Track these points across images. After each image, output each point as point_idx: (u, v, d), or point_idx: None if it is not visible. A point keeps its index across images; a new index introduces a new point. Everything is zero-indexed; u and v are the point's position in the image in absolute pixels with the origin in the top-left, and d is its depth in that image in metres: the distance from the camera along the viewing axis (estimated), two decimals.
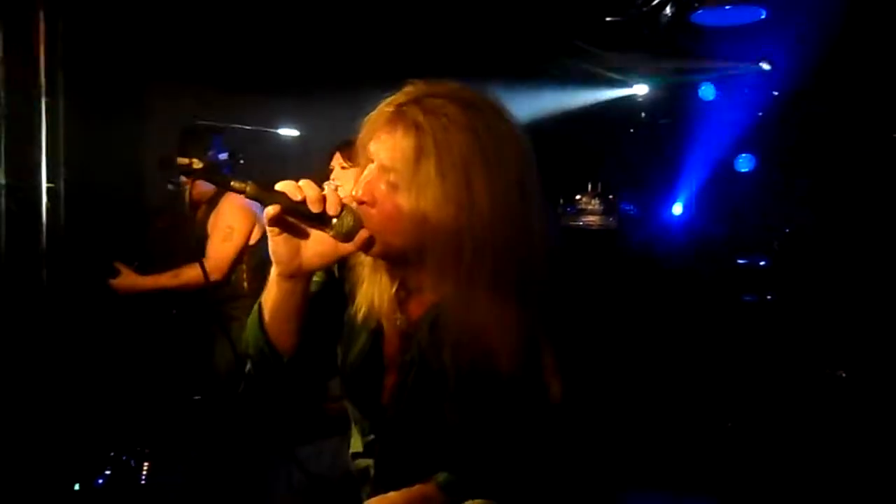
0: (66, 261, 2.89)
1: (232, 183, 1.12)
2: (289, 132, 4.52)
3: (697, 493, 3.55)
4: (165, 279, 3.14)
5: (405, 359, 1.30)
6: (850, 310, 4.03)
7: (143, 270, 3.18)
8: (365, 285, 1.28)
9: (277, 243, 1.16)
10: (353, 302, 1.31)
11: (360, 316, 1.30)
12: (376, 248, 1.19)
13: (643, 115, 5.38)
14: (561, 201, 5.33)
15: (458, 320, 1.20)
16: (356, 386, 1.38)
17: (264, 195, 1.12)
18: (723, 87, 5.01)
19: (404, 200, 1.15)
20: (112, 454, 3.20)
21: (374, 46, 4.38)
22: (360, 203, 1.17)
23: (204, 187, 3.21)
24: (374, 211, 1.17)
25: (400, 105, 1.17)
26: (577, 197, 5.28)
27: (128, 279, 3.15)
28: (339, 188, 2.88)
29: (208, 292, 3.11)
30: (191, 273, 3.09)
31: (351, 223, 1.14)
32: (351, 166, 2.82)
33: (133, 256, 3.22)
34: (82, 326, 3.20)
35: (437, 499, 1.30)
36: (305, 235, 1.16)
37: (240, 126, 4.44)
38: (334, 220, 1.13)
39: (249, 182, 1.11)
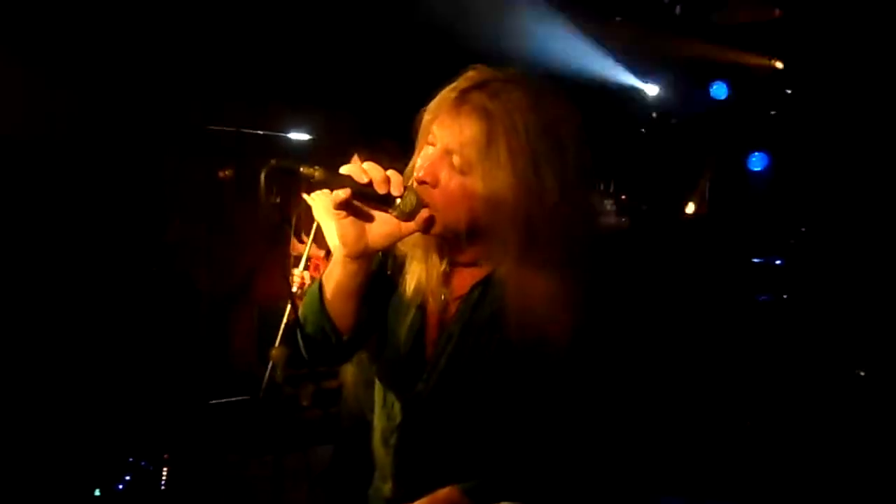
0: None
1: (301, 169, 1.14)
2: (300, 136, 4.55)
3: (716, 495, 3.54)
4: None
5: (444, 333, 1.31)
6: (866, 308, 4.02)
7: None
8: (415, 263, 1.31)
9: (344, 226, 1.19)
10: (402, 281, 1.34)
11: (408, 294, 1.32)
12: (436, 227, 1.22)
13: (654, 115, 5.37)
14: None
15: (512, 295, 1.22)
16: (397, 366, 1.37)
17: (332, 179, 1.14)
18: (735, 86, 4.99)
19: (472, 182, 1.17)
20: (131, 460, 3.22)
21: (380, 50, 4.39)
22: (422, 183, 1.19)
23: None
24: (436, 192, 1.20)
25: (464, 90, 1.20)
26: None
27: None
28: (365, 162, 2.91)
29: None
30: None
31: (414, 203, 1.16)
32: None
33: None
34: (99, 332, 3.22)
35: (462, 501, 1.28)
36: (370, 217, 1.19)
37: (251, 131, 4.48)
38: (398, 201, 1.16)
39: (318, 167, 1.13)
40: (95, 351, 3.11)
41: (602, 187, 5.34)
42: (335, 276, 1.26)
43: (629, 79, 5.20)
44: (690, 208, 5.29)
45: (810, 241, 4.63)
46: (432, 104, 1.24)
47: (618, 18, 4.78)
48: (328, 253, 2.95)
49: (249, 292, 3.76)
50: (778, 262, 4.71)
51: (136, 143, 3.90)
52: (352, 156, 2.91)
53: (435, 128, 1.21)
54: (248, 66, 4.28)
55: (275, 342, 2.94)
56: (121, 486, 3.12)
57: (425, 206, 1.18)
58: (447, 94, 1.22)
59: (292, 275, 2.87)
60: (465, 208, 1.19)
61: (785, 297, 4.56)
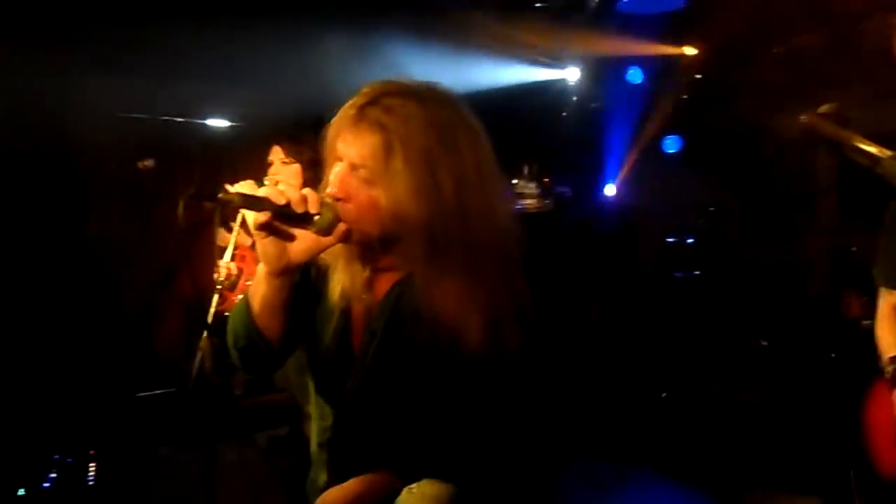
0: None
1: (220, 196, 1.15)
2: (218, 123, 4.46)
3: (634, 461, 3.74)
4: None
5: (367, 331, 1.38)
6: (769, 282, 4.29)
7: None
8: (339, 270, 1.37)
9: (266, 245, 1.23)
10: (326, 287, 1.40)
11: (333, 299, 1.39)
12: (352, 238, 1.27)
13: (574, 98, 5.51)
14: None
15: (424, 296, 1.30)
16: (326, 367, 1.44)
17: (251, 202, 1.17)
18: (649, 71, 5.17)
19: (377, 193, 1.24)
20: (57, 457, 3.15)
21: (301, 31, 4.34)
22: (337, 199, 1.24)
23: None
24: (350, 205, 1.25)
25: (361, 106, 1.25)
26: (514, 181, 5.40)
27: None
28: (279, 183, 2.88)
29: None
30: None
31: (331, 218, 1.21)
32: (291, 161, 2.82)
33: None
34: (19, 327, 3.12)
35: (390, 481, 1.38)
36: (290, 235, 1.23)
37: (170, 118, 4.37)
38: (316, 218, 1.20)
39: (236, 192, 1.16)
40: (15, 346, 3.02)
41: (526, 171, 5.47)
42: (261, 292, 1.31)
43: (549, 64, 5.32)
44: (610, 191, 5.48)
45: (719, 221, 4.87)
46: (334, 121, 1.29)
47: (537, 4, 4.87)
48: (254, 244, 2.95)
49: (175, 283, 3.70)
50: (690, 240, 4.95)
51: (52, 135, 3.76)
52: (271, 148, 2.90)
53: (339, 144, 1.27)
54: (163, 47, 4.16)
55: (202, 333, 2.94)
56: (46, 485, 3.05)
57: (341, 220, 1.23)
58: (346, 111, 1.28)
59: (218, 266, 2.85)
60: (375, 218, 1.25)
61: (697, 273, 4.80)
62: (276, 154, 2.87)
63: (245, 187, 2.14)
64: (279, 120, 4.54)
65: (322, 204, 1.21)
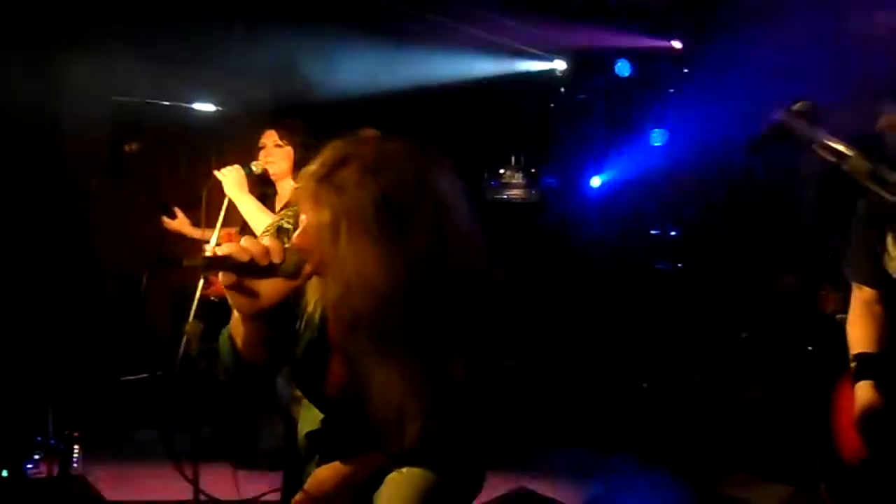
0: None
1: (184, 262, 1.16)
2: (204, 107, 4.44)
3: (615, 448, 3.80)
4: (204, 233, 3.14)
5: (348, 353, 1.41)
6: (751, 276, 4.34)
7: None
8: (314, 282, 1.37)
9: (236, 298, 1.24)
10: (303, 298, 1.41)
11: (308, 311, 1.41)
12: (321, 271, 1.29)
13: (562, 90, 5.53)
14: (485, 175, 5.47)
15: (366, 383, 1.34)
16: (306, 374, 1.48)
17: (215, 264, 1.18)
18: (637, 64, 5.19)
19: (333, 262, 1.24)
20: (39, 439, 3.16)
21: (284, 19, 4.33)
22: (300, 248, 1.25)
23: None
24: (314, 255, 1.26)
25: (319, 179, 1.26)
26: (501, 171, 5.43)
27: (180, 224, 3.21)
28: (270, 164, 2.90)
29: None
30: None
31: (295, 262, 1.22)
32: (285, 144, 2.86)
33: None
34: (4, 310, 3.12)
35: (380, 461, 1.45)
36: (256, 291, 1.23)
37: (156, 101, 4.36)
38: (281, 266, 1.21)
39: (199, 256, 1.17)
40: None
41: (513, 161, 5.50)
42: (240, 332, 1.33)
43: (536, 56, 5.34)
44: (596, 182, 5.51)
45: (705, 215, 4.92)
46: (299, 186, 1.30)
47: None
48: (242, 228, 2.96)
49: (160, 267, 3.70)
50: (673, 233, 5.00)
51: (37, 118, 3.75)
52: (261, 132, 2.93)
53: (301, 208, 1.29)
54: (152, 30, 4.14)
55: (188, 317, 2.95)
56: (30, 466, 3.07)
57: (305, 262, 1.24)
58: (308, 178, 1.27)
59: (204, 250, 2.86)
60: (340, 275, 1.25)
61: (680, 265, 4.85)
62: (270, 137, 2.91)
63: (231, 172, 2.27)
64: (265, 104, 4.57)
65: (286, 251, 1.22)
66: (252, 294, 1.22)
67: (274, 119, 2.92)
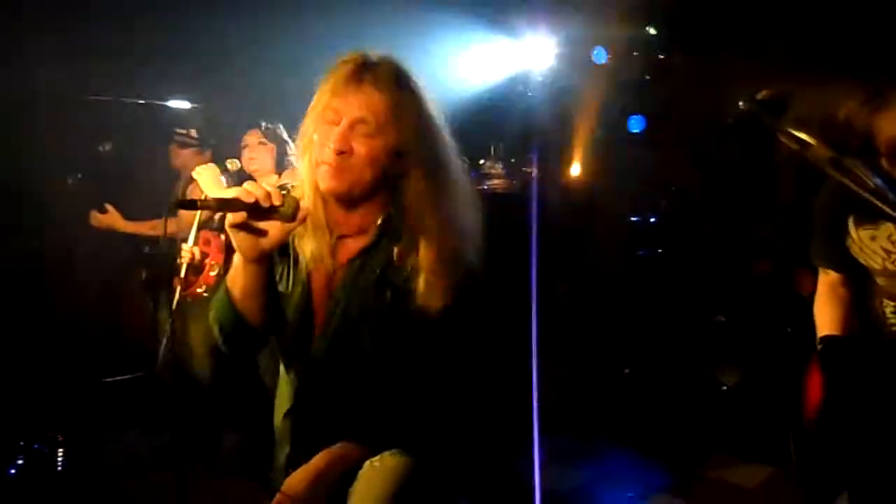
0: None
1: (198, 202, 1.30)
2: (180, 104, 4.42)
3: (597, 434, 3.83)
4: (146, 227, 3.37)
5: (333, 296, 1.47)
6: (727, 260, 4.39)
7: None
8: (305, 238, 1.47)
9: (241, 239, 1.34)
10: (287, 261, 1.51)
11: (298, 268, 1.49)
12: (342, 189, 1.41)
13: (541, 79, 5.53)
14: (465, 165, 5.46)
15: (391, 254, 1.43)
16: (292, 334, 1.51)
17: (225, 205, 1.31)
18: (613, 51, 5.20)
19: (378, 143, 1.39)
20: (23, 443, 3.14)
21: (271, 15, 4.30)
22: (340, 153, 1.38)
23: (191, 158, 3.36)
24: (351, 158, 1.39)
25: (356, 70, 1.40)
26: (481, 161, 5.43)
27: (111, 218, 3.35)
28: (253, 161, 2.99)
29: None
30: (171, 226, 3.20)
31: (294, 205, 1.33)
32: (268, 142, 2.95)
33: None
34: None
35: (354, 453, 1.45)
36: (261, 229, 1.34)
37: (132, 100, 4.31)
38: (280, 208, 1.32)
39: (210, 198, 1.30)
40: None
41: (493, 151, 5.51)
42: (240, 280, 1.42)
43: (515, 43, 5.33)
44: (576, 170, 5.54)
45: (681, 201, 4.96)
46: (329, 85, 1.41)
47: None
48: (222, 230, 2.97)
49: (178, 208, 3.65)
50: (653, 219, 5.03)
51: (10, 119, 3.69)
52: (248, 131, 2.98)
53: (339, 105, 1.39)
54: (124, 24, 4.09)
55: (168, 316, 2.95)
56: (13, 471, 3.05)
57: (298, 204, 1.35)
58: (340, 75, 1.40)
59: (181, 249, 2.87)
60: (377, 166, 1.40)
61: (660, 251, 4.89)
62: (253, 136, 3.01)
63: (207, 170, 2.32)
64: (243, 103, 4.54)
65: (284, 195, 1.32)
66: (256, 233, 1.32)
67: (255, 118, 2.99)
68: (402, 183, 1.43)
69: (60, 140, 3.90)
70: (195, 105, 4.49)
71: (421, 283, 1.40)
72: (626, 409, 4.02)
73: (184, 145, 3.35)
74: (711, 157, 4.73)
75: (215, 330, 1.49)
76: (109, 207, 3.34)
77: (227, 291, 1.44)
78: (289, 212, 1.32)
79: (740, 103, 1.36)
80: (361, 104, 1.37)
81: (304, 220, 1.35)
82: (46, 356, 3.55)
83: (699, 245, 4.66)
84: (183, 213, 3.16)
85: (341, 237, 1.48)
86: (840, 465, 2.00)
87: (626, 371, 4.38)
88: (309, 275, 1.49)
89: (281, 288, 1.51)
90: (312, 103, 1.43)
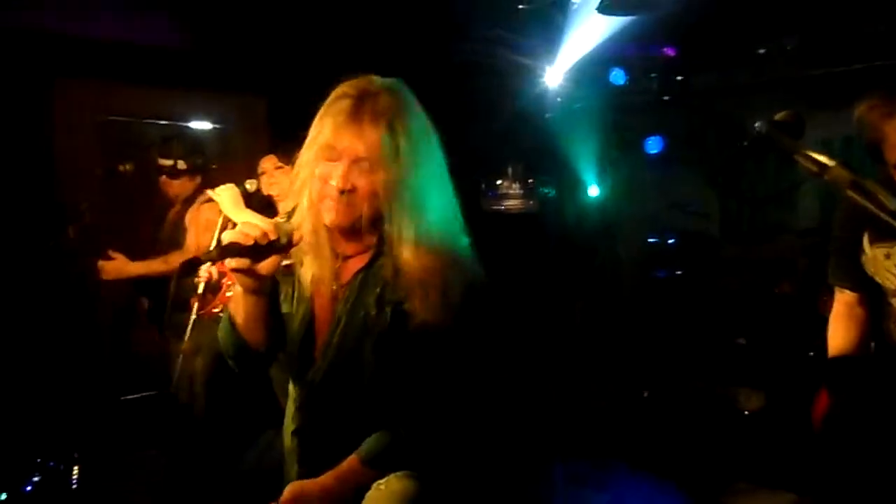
0: None
1: (202, 257, 1.32)
2: (201, 125, 4.52)
3: (616, 459, 3.78)
4: (156, 265, 3.22)
5: (335, 314, 1.49)
6: (747, 282, 4.34)
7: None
8: (308, 260, 1.49)
9: (242, 276, 1.37)
10: (291, 281, 1.52)
11: (301, 289, 1.51)
12: (346, 224, 1.42)
13: (558, 99, 5.53)
14: (482, 186, 5.48)
15: (389, 273, 1.44)
16: (295, 353, 1.53)
17: (226, 252, 1.32)
18: (631, 72, 5.20)
19: (379, 178, 1.39)
20: (39, 460, 3.15)
21: (281, 40, 4.36)
22: (345, 192, 1.39)
23: (183, 187, 3.34)
24: (355, 196, 1.40)
25: (355, 105, 1.39)
26: (498, 182, 5.44)
27: (119, 264, 3.23)
28: (273, 185, 3.02)
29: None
30: (179, 258, 3.14)
31: (288, 233, 1.36)
32: (285, 165, 2.97)
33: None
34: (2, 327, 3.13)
35: (362, 475, 1.44)
36: (259, 270, 1.37)
37: (153, 121, 4.39)
38: (276, 242, 1.35)
39: (211, 248, 1.29)
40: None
41: (510, 172, 5.51)
42: (241, 307, 1.46)
43: (532, 65, 5.34)
44: (594, 191, 5.52)
45: (700, 221, 4.92)
46: (327, 124, 1.40)
47: (521, 6, 4.90)
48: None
49: (185, 269, 3.67)
50: (671, 240, 4.99)
51: (29, 140, 3.77)
52: (264, 149, 3.01)
53: (338, 143, 1.39)
54: (148, 48, 4.16)
55: (183, 337, 2.96)
56: (28, 488, 3.06)
57: (292, 233, 1.38)
58: (337, 111, 1.39)
59: (199, 270, 2.88)
60: (377, 199, 1.40)
61: (678, 272, 4.84)
62: (270, 161, 3.04)
63: (226, 191, 2.34)
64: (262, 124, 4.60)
65: (276, 227, 1.35)
66: (256, 270, 1.35)
67: (271, 143, 3.03)
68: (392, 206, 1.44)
69: (78, 160, 3.97)
70: (215, 126, 4.58)
71: (416, 300, 1.40)
72: (644, 432, 3.96)
73: (172, 175, 3.32)
74: (730, 178, 4.69)
75: (223, 351, 1.54)
76: (115, 254, 3.26)
77: (230, 318, 1.49)
78: (284, 241, 1.36)
79: (756, 125, 1.34)
80: (361, 143, 1.38)
81: (297, 244, 1.40)
82: (62, 374, 3.57)
83: (719, 266, 4.61)
84: (199, 238, 3.16)
85: (345, 258, 1.51)
86: (844, 486, 1.94)
87: (645, 394, 4.32)
88: (312, 294, 1.51)
89: (285, 308, 1.53)
90: (312, 134, 1.44)
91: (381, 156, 1.37)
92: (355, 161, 1.38)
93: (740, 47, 4.60)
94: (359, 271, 1.49)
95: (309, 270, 1.49)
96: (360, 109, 1.38)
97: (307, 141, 1.44)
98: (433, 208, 1.43)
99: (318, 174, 1.41)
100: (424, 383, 1.45)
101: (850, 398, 1.94)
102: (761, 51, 4.52)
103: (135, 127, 4.31)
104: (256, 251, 1.32)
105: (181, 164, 3.29)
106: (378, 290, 1.45)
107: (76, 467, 3.19)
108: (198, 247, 3.18)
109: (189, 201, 3.35)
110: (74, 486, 3.17)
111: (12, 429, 3.16)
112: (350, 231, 1.46)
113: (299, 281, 1.51)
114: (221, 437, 3.23)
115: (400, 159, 1.38)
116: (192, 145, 3.42)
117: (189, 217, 3.30)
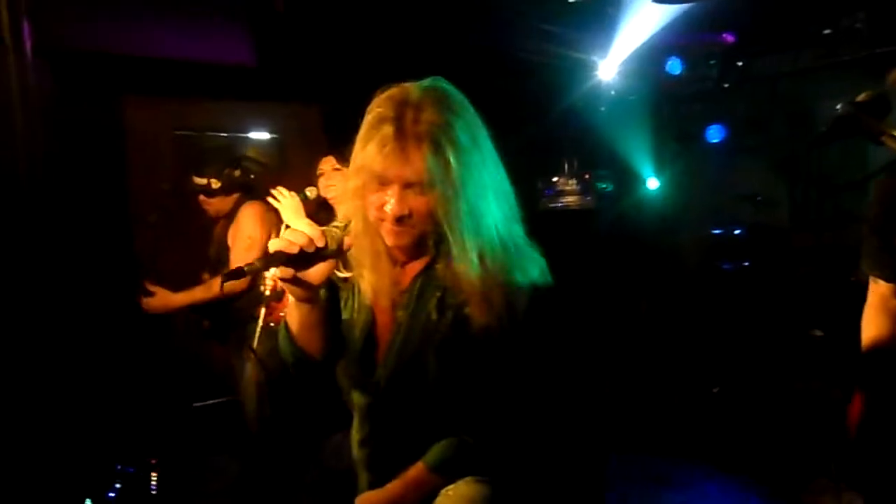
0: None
1: (245, 268, 1.24)
2: (260, 135, 4.62)
3: (688, 457, 3.68)
4: (199, 293, 3.18)
5: (395, 321, 1.47)
6: (822, 272, 4.16)
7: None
8: (366, 269, 1.46)
9: (290, 285, 1.34)
10: (351, 289, 1.51)
11: (362, 297, 1.49)
12: (406, 244, 1.40)
13: (613, 92, 5.44)
14: (539, 184, 5.43)
15: (448, 277, 1.41)
16: (357, 361, 1.52)
17: (270, 261, 1.27)
18: (689, 61, 5.07)
19: (432, 198, 1.34)
20: (119, 467, 3.26)
21: (338, 47, 4.41)
22: (401, 218, 1.35)
23: (221, 203, 3.30)
24: (413, 219, 1.36)
25: (398, 129, 1.32)
26: (555, 179, 5.38)
27: (162, 298, 3.18)
28: (330, 188, 3.01)
29: (234, 301, 3.18)
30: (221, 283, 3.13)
31: (338, 240, 1.33)
32: (343, 167, 2.95)
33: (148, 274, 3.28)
34: (80, 338, 3.24)
35: (430, 482, 1.43)
36: (307, 280, 1.33)
37: (214, 133, 4.51)
38: (324, 250, 1.31)
39: (256, 259, 1.26)
40: (78, 363, 3.14)
41: (566, 168, 5.44)
42: (294, 316, 1.45)
43: (585, 59, 5.27)
44: (653, 184, 5.40)
45: (767, 211, 4.76)
46: (372, 154, 1.34)
47: (571, 1, 4.84)
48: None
49: (228, 278, 3.73)
50: (737, 231, 4.84)
51: (102, 156, 3.91)
52: (319, 157, 3.02)
53: (385, 172, 1.33)
54: (208, 65, 4.27)
55: (245, 347, 3.01)
56: (111, 494, 3.16)
57: (344, 239, 1.36)
58: (380, 136, 1.33)
59: (264, 277, 2.93)
60: (432, 220, 1.36)
61: (746, 264, 4.69)
62: (328, 163, 3.03)
63: (287, 200, 2.36)
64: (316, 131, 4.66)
65: (325, 234, 1.32)
66: (304, 273, 1.31)
67: (330, 145, 3.02)
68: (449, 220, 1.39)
69: (145, 174, 4.10)
70: (274, 135, 4.67)
71: (477, 304, 1.38)
72: (717, 429, 3.85)
73: (208, 194, 3.26)
74: (799, 165, 4.52)
75: (284, 361, 1.54)
76: (154, 288, 3.19)
77: (286, 326, 1.49)
78: (333, 248, 1.33)
79: (837, 107, 1.27)
80: (409, 170, 1.32)
81: (348, 248, 1.37)
82: (139, 383, 3.69)
83: (789, 256, 4.45)
84: (241, 259, 3.16)
85: (403, 264, 1.49)
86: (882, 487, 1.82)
87: (715, 390, 4.20)
88: (373, 301, 1.49)
89: (346, 315, 1.52)
90: (357, 161, 1.36)
91: (431, 177, 1.32)
92: (406, 186, 1.34)
93: (804, 28, 4.43)
94: (417, 275, 1.47)
95: (368, 280, 1.47)
96: (402, 134, 1.31)
97: (353, 166, 1.40)
98: (490, 212, 1.39)
99: (372, 201, 1.38)
100: (489, 388, 1.42)
101: (886, 397, 1.82)
102: (826, 31, 4.34)
103: (197, 140, 4.42)
104: (303, 259, 1.28)
105: (214, 183, 3.23)
106: (439, 294, 1.43)
107: (154, 473, 3.29)
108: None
109: (230, 216, 3.31)
110: (154, 492, 3.27)
111: (94, 437, 3.27)
112: (411, 246, 1.44)
113: (359, 289, 1.49)
114: (289, 442, 3.28)
115: (451, 174, 1.32)
116: (227, 160, 3.32)
117: (230, 234, 3.27)
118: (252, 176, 3.38)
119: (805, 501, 3.20)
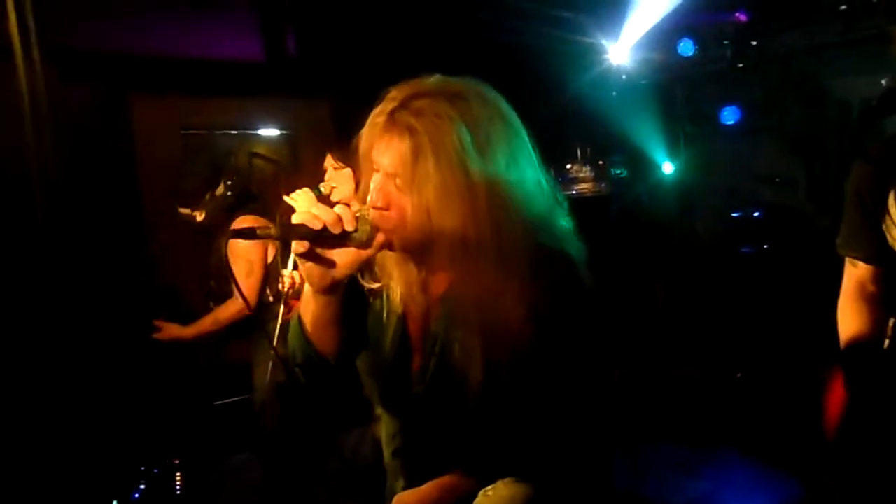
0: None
1: (258, 231, 1.17)
2: (269, 132, 4.59)
3: (713, 445, 3.65)
4: (207, 325, 3.14)
5: (429, 334, 1.37)
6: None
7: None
8: (393, 275, 1.36)
9: (309, 268, 1.23)
10: (381, 293, 1.40)
11: (389, 304, 1.39)
12: (398, 244, 1.26)
13: (624, 77, 5.37)
14: (551, 171, 5.37)
15: (469, 296, 1.28)
16: (389, 374, 1.43)
17: (288, 232, 1.18)
18: (701, 42, 4.99)
19: (410, 199, 1.22)
20: (143, 468, 3.26)
21: (349, 44, 4.38)
22: (377, 209, 1.23)
23: (216, 221, 3.17)
24: (391, 213, 1.24)
25: (391, 112, 1.23)
26: (568, 166, 5.32)
27: (171, 332, 3.14)
28: (334, 188, 2.93)
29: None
30: (228, 312, 3.10)
31: (368, 230, 1.21)
32: (342, 167, 2.88)
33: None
34: (103, 340, 3.24)
35: (466, 484, 1.38)
36: (330, 259, 1.23)
37: (223, 131, 4.48)
38: (353, 234, 1.20)
39: (272, 224, 1.16)
40: (98, 363, 3.14)
41: (579, 154, 5.39)
42: (310, 309, 1.31)
43: (595, 43, 5.20)
44: (668, 168, 5.34)
45: (786, 192, 4.69)
46: (365, 130, 1.26)
47: None
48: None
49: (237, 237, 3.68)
50: (756, 213, 4.78)
51: (113, 156, 3.90)
52: (324, 156, 2.96)
53: (373, 153, 1.25)
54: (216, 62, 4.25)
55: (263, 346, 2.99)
56: (136, 495, 3.17)
57: (378, 230, 1.23)
58: (376, 118, 1.25)
59: (282, 275, 2.90)
60: (416, 224, 1.23)
61: (766, 247, 4.63)
62: (329, 161, 2.95)
63: (302, 195, 2.25)
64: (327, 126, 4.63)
65: (358, 219, 1.20)
66: (325, 264, 1.22)
67: (333, 141, 2.96)
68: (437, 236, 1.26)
69: (154, 172, 4.09)
70: (284, 131, 4.64)
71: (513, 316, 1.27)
72: (741, 415, 3.81)
73: (196, 226, 3.16)
74: (817, 144, 4.45)
75: (290, 357, 1.41)
76: (161, 324, 3.13)
77: (299, 320, 1.35)
78: (364, 237, 1.20)
79: (883, 81, 1.21)
80: (390, 154, 1.22)
81: (381, 247, 1.24)
82: (160, 383, 3.69)
83: (811, 237, 4.38)
84: (243, 283, 3.09)
85: (432, 271, 1.35)
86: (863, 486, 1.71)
87: (738, 375, 4.15)
88: (404, 309, 1.38)
89: (372, 321, 1.42)
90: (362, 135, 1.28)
91: (408, 173, 1.20)
92: (389, 175, 1.23)
93: (818, 4, 4.34)
94: (450, 285, 1.35)
95: (394, 288, 1.37)
96: (392, 120, 1.21)
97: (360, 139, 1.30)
98: (481, 232, 1.22)
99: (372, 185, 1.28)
100: (532, 398, 1.35)
101: (867, 393, 1.72)
102: (842, 6, 4.25)
103: (207, 137, 4.40)
104: (325, 238, 1.18)
105: (199, 216, 3.14)
106: (473, 303, 1.30)
107: (178, 474, 3.29)
108: (247, 294, 3.06)
109: (226, 233, 3.20)
110: (178, 492, 3.27)
111: (118, 438, 3.28)
112: (402, 250, 1.30)
113: (388, 296, 1.39)
114: (309, 438, 3.26)
115: (424, 180, 1.18)
116: (208, 175, 3.17)
117: (230, 254, 3.07)
118: (241, 189, 3.22)
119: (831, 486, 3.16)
